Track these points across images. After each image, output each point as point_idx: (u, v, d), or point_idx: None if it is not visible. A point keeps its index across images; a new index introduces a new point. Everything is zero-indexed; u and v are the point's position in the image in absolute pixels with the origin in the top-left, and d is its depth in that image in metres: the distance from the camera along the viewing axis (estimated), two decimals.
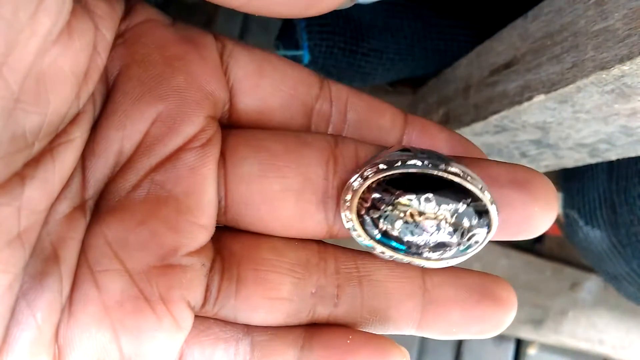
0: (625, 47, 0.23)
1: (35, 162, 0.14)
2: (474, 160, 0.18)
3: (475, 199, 0.17)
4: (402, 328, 0.18)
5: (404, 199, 0.17)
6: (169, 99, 0.16)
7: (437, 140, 0.19)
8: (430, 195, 0.17)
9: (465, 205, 0.17)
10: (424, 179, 0.17)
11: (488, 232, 0.18)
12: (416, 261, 0.18)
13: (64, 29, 0.13)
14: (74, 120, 0.15)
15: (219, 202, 0.17)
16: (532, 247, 0.82)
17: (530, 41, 0.31)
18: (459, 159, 0.18)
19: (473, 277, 0.19)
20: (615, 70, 0.24)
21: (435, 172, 0.17)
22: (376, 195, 0.17)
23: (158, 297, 0.16)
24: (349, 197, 0.17)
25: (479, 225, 0.17)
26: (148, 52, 0.16)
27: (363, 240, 0.18)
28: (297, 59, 0.44)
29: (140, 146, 0.16)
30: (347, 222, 0.18)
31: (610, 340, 0.78)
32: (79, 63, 0.14)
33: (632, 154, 0.33)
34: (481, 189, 0.17)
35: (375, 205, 0.17)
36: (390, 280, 0.18)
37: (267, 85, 0.18)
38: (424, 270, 0.19)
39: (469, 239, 0.18)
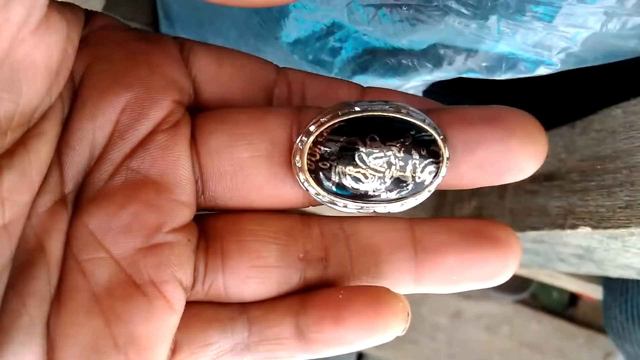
0: None
1: (9, 153, 0.14)
2: (440, 108, 0.18)
3: (419, 130, 0.17)
4: (400, 284, 0.18)
5: (350, 144, 0.17)
6: (135, 88, 0.17)
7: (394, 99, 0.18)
8: (373, 134, 0.17)
9: (410, 138, 0.17)
10: (367, 124, 0.17)
11: (439, 162, 0.17)
12: (378, 207, 0.18)
13: (41, 23, 0.14)
14: (44, 115, 0.16)
15: (196, 181, 0.17)
16: (565, 311, 0.77)
17: (576, 157, 0.28)
18: (425, 110, 0.17)
19: (465, 222, 0.18)
20: None
21: (374, 113, 0.17)
22: (322, 147, 0.17)
23: (148, 279, 0.16)
24: (297, 157, 0.17)
25: (430, 156, 0.17)
26: (110, 51, 0.17)
27: (322, 197, 0.17)
28: None
29: (112, 135, 0.16)
30: (303, 182, 0.17)
31: None
32: (52, 58, 0.15)
33: None
34: (424, 120, 0.17)
35: (323, 157, 0.17)
36: (376, 234, 0.18)
37: (227, 72, 0.18)
38: (411, 221, 0.18)
39: (422, 171, 0.17)
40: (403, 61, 0.23)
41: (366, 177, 0.17)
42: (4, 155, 0.14)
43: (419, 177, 0.17)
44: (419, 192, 0.17)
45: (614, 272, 0.34)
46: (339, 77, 0.25)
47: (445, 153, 0.17)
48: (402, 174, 0.17)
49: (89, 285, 0.15)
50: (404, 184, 0.17)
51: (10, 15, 0.13)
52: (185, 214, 0.17)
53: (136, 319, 0.15)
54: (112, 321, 0.15)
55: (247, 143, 0.17)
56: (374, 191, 0.17)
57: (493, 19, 0.19)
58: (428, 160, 0.17)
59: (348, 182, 0.17)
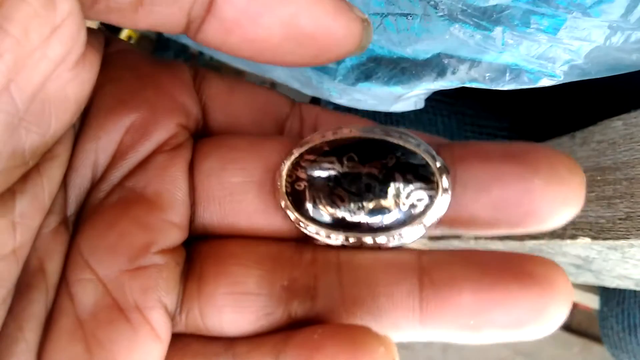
0: None
1: (24, 177, 0.14)
2: (455, 143, 0.16)
3: (406, 152, 0.15)
4: (402, 323, 0.15)
5: (326, 164, 0.15)
6: (141, 109, 0.16)
7: None
8: (352, 154, 0.15)
9: (394, 159, 0.15)
10: (349, 144, 0.15)
11: (431, 190, 0.15)
12: (366, 238, 0.16)
13: (79, 60, 0.14)
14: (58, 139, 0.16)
15: (190, 205, 0.17)
16: None
17: None
18: (438, 147, 0.16)
19: (490, 254, 0.15)
20: None
21: (359, 134, 0.15)
22: (299, 168, 0.16)
23: (133, 304, 0.15)
24: (278, 180, 0.16)
25: (418, 181, 0.15)
26: (121, 73, 0.17)
27: (304, 225, 0.16)
28: None
29: (115, 156, 0.16)
30: (284, 208, 0.16)
31: None
32: (83, 92, 0.15)
33: None
34: (418, 145, 0.15)
35: (299, 178, 0.16)
36: (375, 263, 0.16)
37: (238, 102, 0.18)
38: (421, 251, 0.16)
39: (407, 197, 0.15)
40: (407, 70, 0.23)
41: (342, 200, 0.15)
42: (18, 179, 0.14)
43: (404, 204, 0.15)
44: (407, 223, 0.15)
45: (612, 283, 0.34)
46: (342, 85, 0.25)
47: (442, 182, 0.15)
48: (382, 199, 0.15)
49: (74, 309, 0.15)
50: (386, 211, 0.15)
51: (48, 52, 0.13)
52: (175, 236, 0.16)
53: (117, 347, 0.15)
54: (94, 348, 0.15)
55: (240, 167, 0.17)
56: (352, 217, 0.16)
57: (498, 30, 0.19)
58: (414, 186, 0.15)
59: (323, 205, 0.16)
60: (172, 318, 0.16)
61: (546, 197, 0.14)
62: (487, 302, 0.14)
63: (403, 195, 0.15)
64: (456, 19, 0.20)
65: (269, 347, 0.15)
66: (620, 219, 0.24)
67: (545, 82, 0.21)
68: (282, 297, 0.16)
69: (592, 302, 0.47)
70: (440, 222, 0.16)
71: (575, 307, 0.79)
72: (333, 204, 0.16)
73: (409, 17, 0.21)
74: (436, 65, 0.23)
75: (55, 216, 0.15)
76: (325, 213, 0.16)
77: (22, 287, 0.15)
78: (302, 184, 0.16)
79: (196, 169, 0.17)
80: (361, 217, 0.15)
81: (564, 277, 0.14)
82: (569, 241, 0.27)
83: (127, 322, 0.15)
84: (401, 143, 0.15)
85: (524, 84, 0.22)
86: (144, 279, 0.15)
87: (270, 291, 0.16)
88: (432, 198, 0.15)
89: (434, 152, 0.15)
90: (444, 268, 0.15)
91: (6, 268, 0.14)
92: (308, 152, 0.16)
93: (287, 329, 0.16)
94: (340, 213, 0.16)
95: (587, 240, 0.25)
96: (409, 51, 0.22)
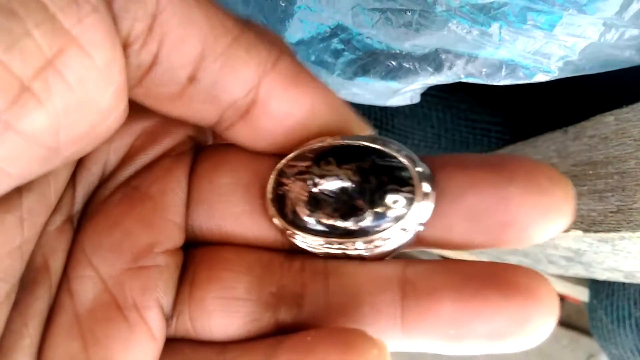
0: None
1: None
2: (443, 154, 0.16)
3: (384, 155, 0.15)
4: (385, 332, 0.15)
5: (304, 169, 0.16)
6: (155, 117, 0.17)
7: None
8: (330, 158, 0.15)
9: (370, 161, 0.15)
10: (330, 150, 0.15)
11: (407, 193, 0.14)
12: (347, 245, 0.15)
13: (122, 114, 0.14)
14: None
15: None
16: None
17: (569, 162, 0.28)
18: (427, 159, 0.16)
19: (474, 264, 0.15)
20: None
21: (344, 142, 0.15)
22: (283, 175, 0.16)
23: (131, 303, 0.15)
24: (267, 187, 0.16)
25: (393, 183, 0.14)
26: None
27: (289, 233, 0.16)
28: None
29: (124, 158, 0.17)
30: (271, 215, 0.16)
31: None
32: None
33: None
34: (399, 151, 0.15)
35: (282, 184, 0.16)
36: (361, 273, 0.16)
37: None
38: (407, 261, 0.16)
39: (381, 198, 0.14)
40: (404, 64, 0.24)
41: (318, 203, 0.15)
42: None
43: (378, 206, 0.15)
44: (384, 226, 0.15)
45: (602, 275, 0.34)
46: (340, 79, 0.25)
47: (423, 186, 0.14)
48: (355, 200, 0.15)
49: (73, 305, 0.15)
50: (360, 213, 0.15)
51: (100, 105, 0.13)
52: (177, 237, 0.16)
53: (114, 344, 0.15)
54: (90, 344, 0.15)
55: (229, 169, 0.17)
56: (328, 220, 0.15)
57: (495, 26, 0.20)
58: (389, 187, 0.15)
59: (302, 209, 0.16)
60: (167, 320, 0.16)
61: (524, 207, 0.13)
62: (467, 312, 0.14)
63: (376, 197, 0.15)
64: (454, 14, 0.20)
65: (260, 351, 0.15)
66: (611, 212, 0.24)
67: (540, 78, 0.22)
68: (270, 304, 0.16)
69: (582, 294, 0.48)
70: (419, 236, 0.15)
71: (564, 299, 0.81)
72: (311, 207, 0.15)
73: (407, 12, 0.21)
74: (433, 60, 0.23)
75: (62, 214, 0.16)
76: (305, 217, 0.16)
77: (28, 284, 0.15)
78: (283, 190, 0.16)
79: (193, 173, 0.17)
80: (336, 220, 0.15)
81: (549, 287, 0.14)
82: (560, 234, 0.27)
83: (124, 320, 0.15)
84: (380, 147, 0.15)
85: (520, 79, 0.22)
86: (145, 278, 0.15)
87: (259, 297, 0.16)
88: (410, 202, 0.14)
89: (416, 158, 0.15)
90: (428, 277, 0.15)
91: (11, 263, 0.14)
92: (292, 159, 0.16)
93: (277, 335, 0.16)
94: (317, 216, 0.15)
95: (579, 233, 0.26)
96: (407, 46, 0.23)
